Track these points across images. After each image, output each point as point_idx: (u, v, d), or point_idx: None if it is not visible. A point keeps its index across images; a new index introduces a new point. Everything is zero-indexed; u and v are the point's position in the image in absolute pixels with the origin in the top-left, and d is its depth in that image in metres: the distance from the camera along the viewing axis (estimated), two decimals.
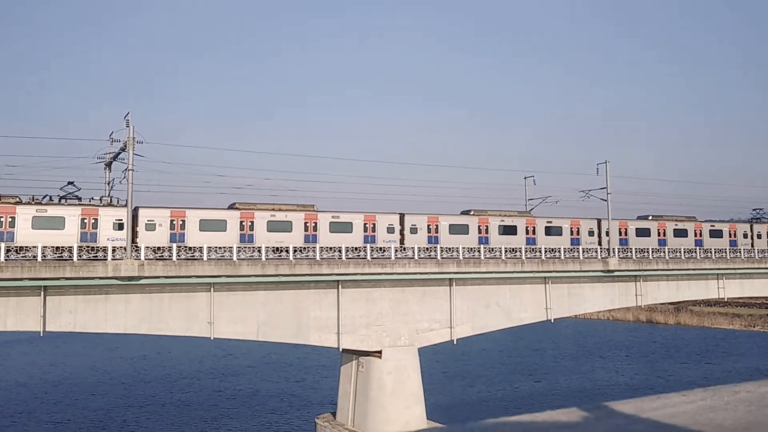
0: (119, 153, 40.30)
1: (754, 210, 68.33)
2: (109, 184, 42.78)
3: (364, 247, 43.04)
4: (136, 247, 36.65)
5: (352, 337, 40.66)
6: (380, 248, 44.03)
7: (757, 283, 60.94)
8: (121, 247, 36.41)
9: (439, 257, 44.16)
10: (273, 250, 41.20)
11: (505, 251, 46.99)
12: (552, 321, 49.13)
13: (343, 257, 41.28)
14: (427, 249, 45.22)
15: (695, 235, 58.89)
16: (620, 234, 54.38)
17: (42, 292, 33.92)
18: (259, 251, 39.60)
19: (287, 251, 40.50)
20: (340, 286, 40.58)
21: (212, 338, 37.75)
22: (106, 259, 35.28)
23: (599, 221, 54.41)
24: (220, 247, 39.64)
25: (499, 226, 50.30)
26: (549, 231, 51.83)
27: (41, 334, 34.55)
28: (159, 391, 61.16)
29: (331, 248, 42.23)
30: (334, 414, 44.45)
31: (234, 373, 69.18)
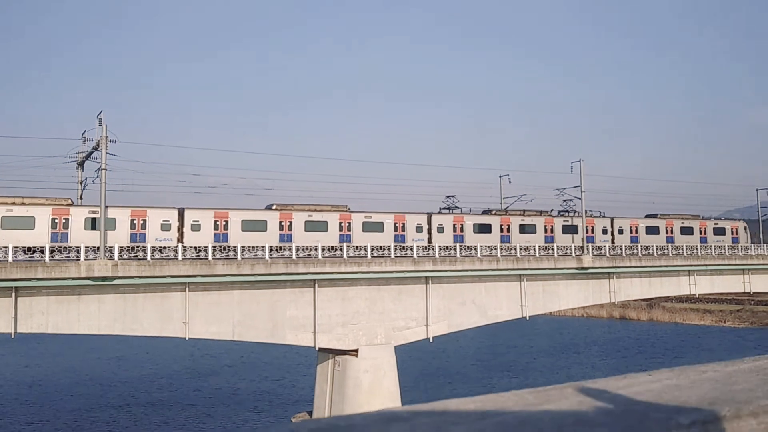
0: (92, 152, 39.96)
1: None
2: (81, 183, 42.42)
3: (340, 246, 43.14)
4: (110, 248, 36.36)
5: (329, 336, 40.70)
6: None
7: (728, 279, 62.00)
8: (94, 247, 36.09)
9: (415, 255, 44.33)
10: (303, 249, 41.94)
11: (481, 249, 47.44)
12: (527, 318, 49.57)
13: (319, 256, 41.30)
14: (403, 247, 45.45)
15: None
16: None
17: (13, 293, 33.51)
18: (235, 251, 39.49)
19: (263, 250, 40.56)
20: (316, 285, 40.57)
21: (187, 338, 37.58)
22: (79, 260, 34.95)
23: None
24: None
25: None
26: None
27: (12, 336, 34.14)
28: (136, 391, 60.64)
29: (307, 248, 42.29)
30: (310, 413, 44.46)
31: (211, 373, 68.79)
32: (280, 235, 43.23)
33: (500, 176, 58.93)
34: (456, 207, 51.33)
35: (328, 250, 42.52)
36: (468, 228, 49.73)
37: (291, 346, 42.09)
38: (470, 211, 52.36)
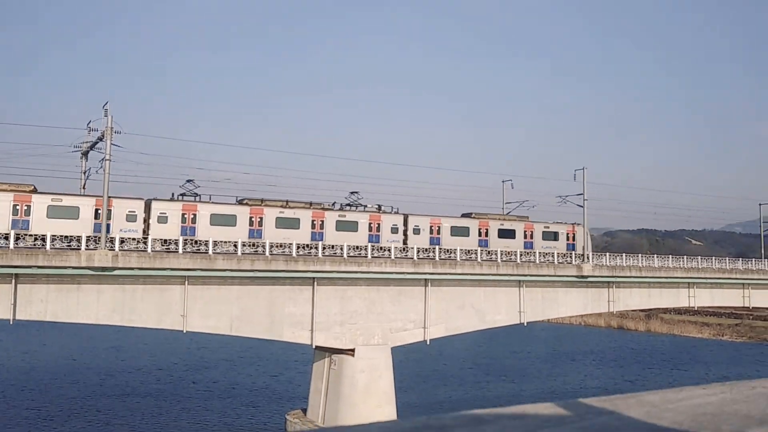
0: (96, 142, 40.09)
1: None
2: (85, 173, 42.54)
3: (315, 245, 42.70)
4: (111, 238, 36.45)
5: (326, 335, 40.78)
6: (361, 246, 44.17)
7: (727, 293, 61.94)
8: (95, 236, 36.18)
9: (415, 257, 44.39)
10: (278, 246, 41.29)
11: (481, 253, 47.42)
12: (525, 324, 49.59)
13: (320, 254, 41.36)
14: (404, 249, 45.44)
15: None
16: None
17: (13, 280, 33.63)
18: (235, 246, 39.56)
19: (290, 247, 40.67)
20: (315, 283, 40.66)
21: (185, 331, 37.69)
22: (80, 249, 35.06)
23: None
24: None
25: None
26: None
27: (11, 322, 34.26)
28: (133, 381, 60.79)
29: (307, 246, 42.29)
30: (305, 411, 44.54)
31: (208, 366, 68.94)
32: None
33: (503, 181, 58.90)
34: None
35: (303, 248, 41.53)
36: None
37: (288, 343, 42.14)
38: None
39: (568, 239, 53.74)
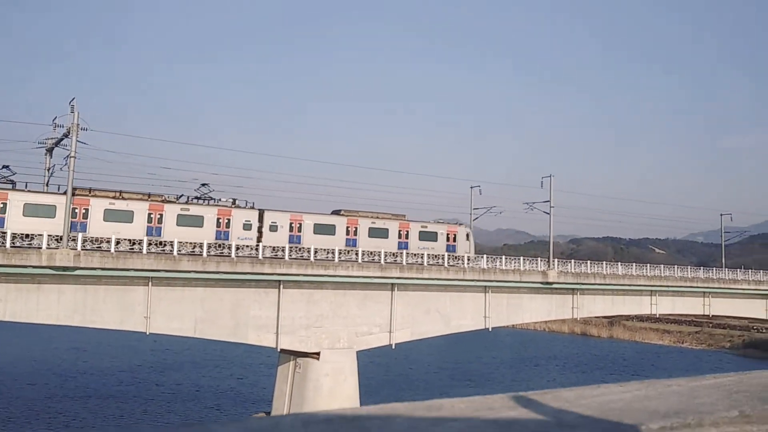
0: (62, 139, 39.48)
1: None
2: (49, 170, 41.86)
3: (309, 249, 43.05)
4: (73, 238, 35.89)
5: (291, 338, 40.62)
6: (325, 249, 44.12)
7: (688, 301, 63.09)
8: (55, 236, 35.59)
9: (382, 261, 44.46)
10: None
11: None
12: (490, 329, 49.96)
13: (286, 257, 41.22)
14: (371, 253, 45.44)
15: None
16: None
17: None
18: (201, 248, 39.21)
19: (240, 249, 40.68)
20: (281, 286, 40.49)
21: (147, 333, 37.22)
22: (41, 248, 34.45)
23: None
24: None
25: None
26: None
27: None
28: (94, 383, 59.84)
29: (274, 248, 42.13)
30: (269, 413, 44.29)
31: (172, 368, 68.18)
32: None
33: (471, 187, 59.26)
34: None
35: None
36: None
37: (253, 345, 41.89)
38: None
39: (448, 240, 51.00)
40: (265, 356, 66.75)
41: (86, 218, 38.21)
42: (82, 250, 35.23)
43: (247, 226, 42.66)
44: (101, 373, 64.77)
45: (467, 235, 52.08)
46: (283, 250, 41.94)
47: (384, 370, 66.26)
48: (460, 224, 52.59)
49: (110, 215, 38.91)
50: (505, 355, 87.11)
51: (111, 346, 77.72)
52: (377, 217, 49.13)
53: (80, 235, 36.13)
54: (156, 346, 76.41)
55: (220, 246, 40.43)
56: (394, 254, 46.08)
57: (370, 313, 43.64)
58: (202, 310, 38.62)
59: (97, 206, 38.71)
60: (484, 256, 52.81)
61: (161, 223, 39.99)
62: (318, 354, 40.90)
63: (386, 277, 43.90)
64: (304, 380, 40.98)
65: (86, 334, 68.68)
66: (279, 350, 41.24)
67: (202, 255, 38.67)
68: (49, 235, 34.89)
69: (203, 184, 44.89)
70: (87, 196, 38.84)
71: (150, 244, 37.79)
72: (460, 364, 77.43)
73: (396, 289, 44.49)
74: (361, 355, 42.75)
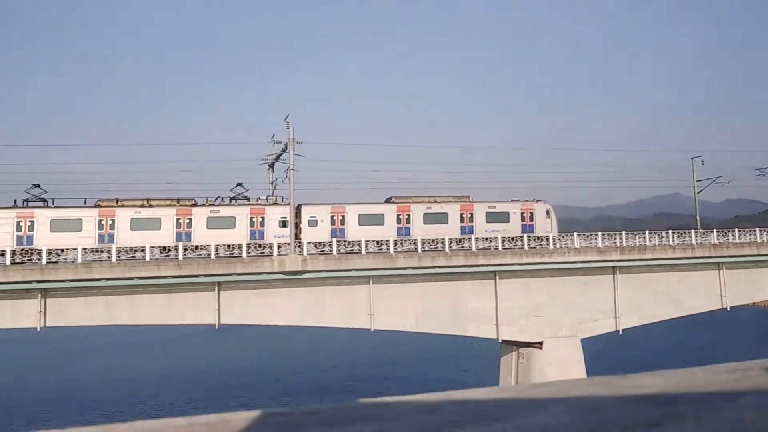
0: (281, 154, 42.44)
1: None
2: (272, 183, 45.20)
3: (521, 237, 42.27)
4: (299, 243, 38.44)
5: (511, 328, 40.13)
6: (537, 237, 43.10)
7: None
8: (285, 243, 38.34)
9: (600, 245, 42.48)
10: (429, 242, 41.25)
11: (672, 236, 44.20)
12: (728, 309, 45.65)
13: (500, 247, 40.88)
14: (588, 236, 43.58)
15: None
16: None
17: (216, 288, 36.44)
18: (415, 244, 40.15)
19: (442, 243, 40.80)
20: (497, 276, 40.17)
21: (372, 330, 38.79)
22: (272, 255, 37.29)
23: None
24: (377, 241, 40.46)
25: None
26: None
27: (216, 327, 37.04)
28: (327, 378, 63.92)
29: (487, 239, 41.94)
30: None
31: (398, 363, 70.79)
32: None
33: (692, 158, 54.63)
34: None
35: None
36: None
37: (473, 337, 41.96)
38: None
39: (523, 219, 45.31)
40: (485, 347, 66.88)
41: (113, 229, 38.62)
42: (308, 254, 37.66)
43: (282, 223, 40.91)
44: (335, 369, 69.00)
45: (547, 212, 46.19)
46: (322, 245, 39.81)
47: (612, 358, 63.37)
48: (538, 200, 46.86)
49: (135, 224, 39.00)
50: (749, 336, 79.30)
51: (339, 343, 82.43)
52: (434, 201, 45.20)
53: (305, 242, 38.63)
54: (377, 342, 79.78)
55: (459, 241, 41.78)
56: (611, 236, 43.67)
57: (592, 298, 41.82)
58: (421, 304, 39.44)
59: (123, 216, 39.04)
60: (714, 230, 48.32)
61: (190, 228, 39.68)
62: (541, 344, 39.98)
63: (605, 261, 41.84)
64: (528, 370, 40.28)
65: (309, 333, 73.51)
66: (500, 341, 40.92)
67: (416, 251, 39.59)
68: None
69: (238, 184, 43.86)
70: (113, 207, 39.27)
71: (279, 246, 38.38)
72: (694, 350, 71.80)
73: (618, 272, 42.22)
74: (586, 342, 41.09)
